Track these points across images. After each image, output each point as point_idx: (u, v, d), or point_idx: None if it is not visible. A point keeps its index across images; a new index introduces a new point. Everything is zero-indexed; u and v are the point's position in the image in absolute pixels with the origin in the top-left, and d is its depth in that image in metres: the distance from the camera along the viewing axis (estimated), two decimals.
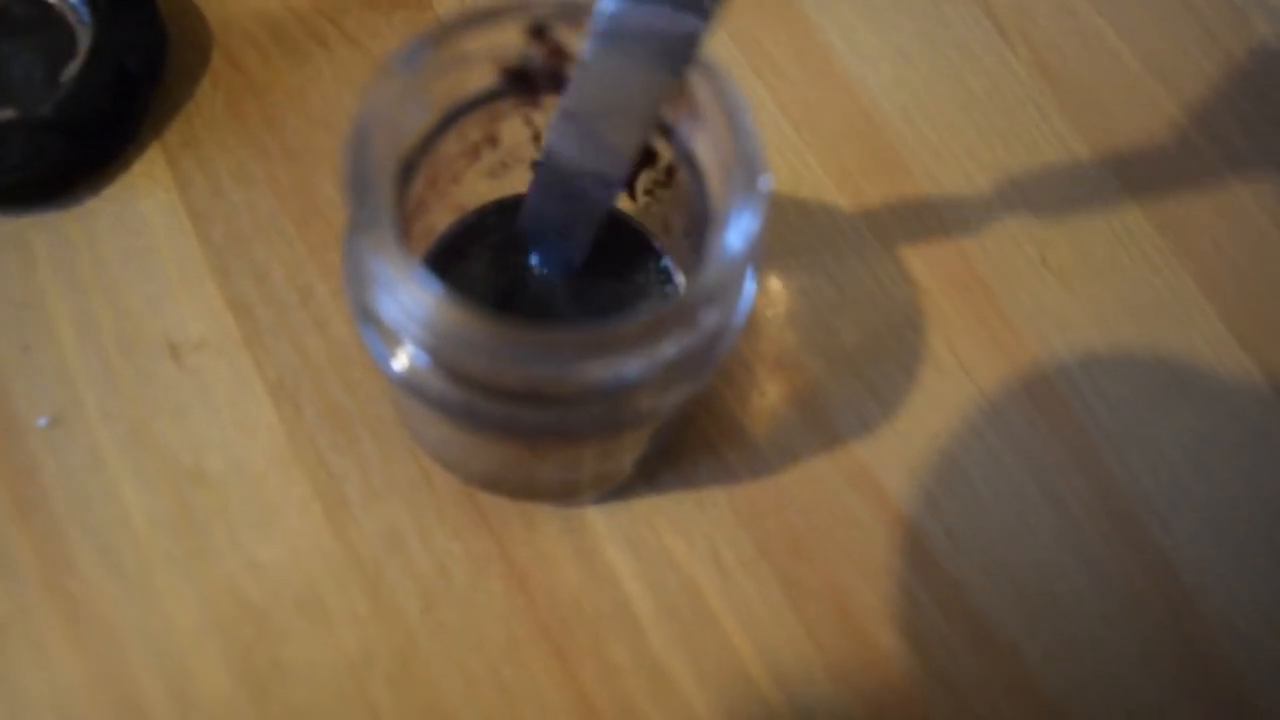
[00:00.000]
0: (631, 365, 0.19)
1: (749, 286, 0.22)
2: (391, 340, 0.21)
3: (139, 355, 0.27)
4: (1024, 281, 0.29)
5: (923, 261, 0.29)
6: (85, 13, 0.29)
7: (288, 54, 0.31)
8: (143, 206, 0.29)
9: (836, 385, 0.28)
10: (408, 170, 0.21)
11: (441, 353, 0.19)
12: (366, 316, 0.21)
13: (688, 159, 0.22)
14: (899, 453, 0.28)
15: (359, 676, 0.25)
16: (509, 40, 0.21)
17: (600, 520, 0.27)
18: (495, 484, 0.26)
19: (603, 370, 0.19)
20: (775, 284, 0.29)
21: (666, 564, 0.26)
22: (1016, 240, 0.30)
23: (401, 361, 0.21)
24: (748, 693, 0.25)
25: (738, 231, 0.19)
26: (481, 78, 0.22)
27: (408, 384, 0.21)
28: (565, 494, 0.26)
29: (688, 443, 0.27)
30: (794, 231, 0.30)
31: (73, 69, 0.29)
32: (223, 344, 0.28)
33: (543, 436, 0.21)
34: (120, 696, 0.25)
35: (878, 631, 0.26)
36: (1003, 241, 0.30)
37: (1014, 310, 0.29)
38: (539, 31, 0.21)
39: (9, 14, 0.29)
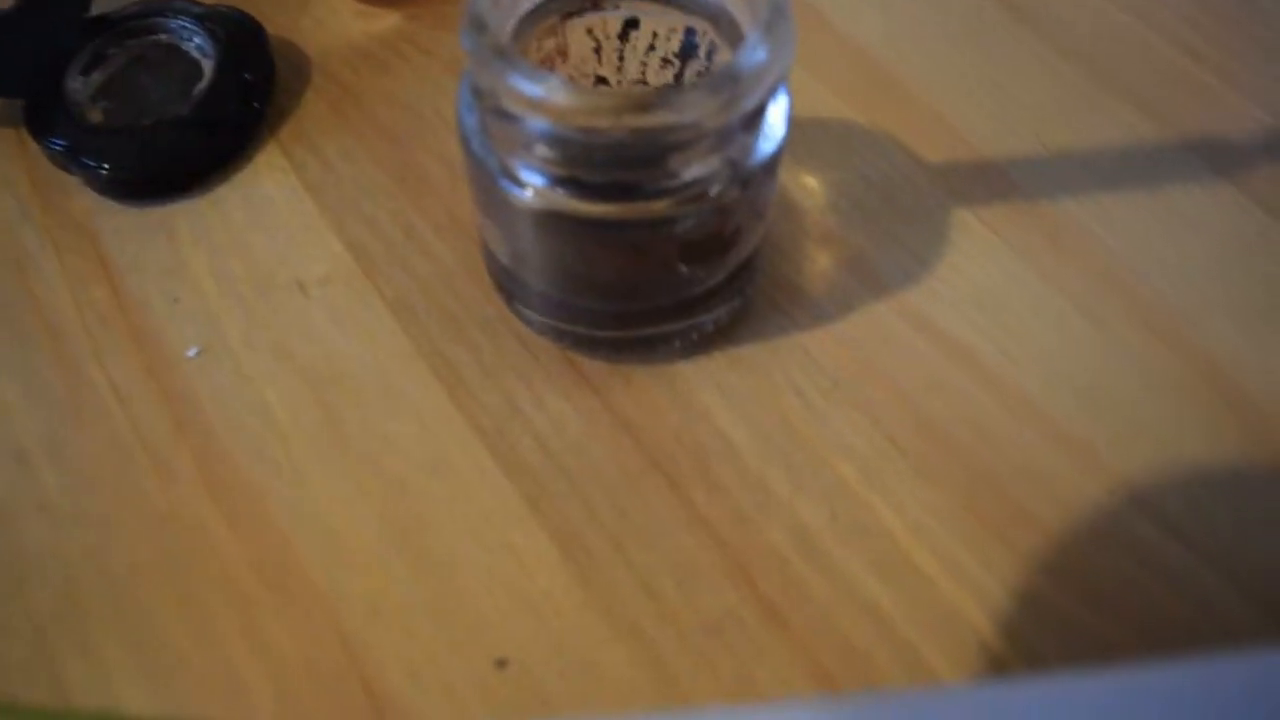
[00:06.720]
0: (703, 107, 0.23)
1: (784, 99, 0.27)
2: (514, 178, 0.25)
3: (272, 293, 0.32)
4: (1027, 157, 0.34)
5: (935, 154, 0.34)
6: (209, 48, 0.35)
7: (375, 68, 0.37)
8: (266, 187, 0.34)
9: (879, 251, 0.32)
10: None
11: (562, 135, 0.23)
12: (489, 160, 0.25)
13: None
14: (944, 295, 0.31)
15: (492, 521, 0.28)
16: None
17: (688, 370, 0.30)
18: (597, 340, 0.29)
19: (687, 112, 0.23)
20: (809, 180, 0.33)
21: (753, 399, 0.29)
22: (1014, 128, 0.35)
23: (527, 191, 0.25)
24: (846, 495, 0.28)
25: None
26: None
27: (535, 203, 0.25)
28: (657, 341, 0.29)
29: (755, 306, 0.31)
30: (817, 143, 0.34)
31: (202, 86, 0.34)
32: (344, 276, 0.32)
33: (640, 216, 0.25)
34: (278, 562, 0.27)
35: (954, 432, 0.29)
36: (1000, 130, 0.35)
37: (1023, 180, 0.33)
38: None
39: (145, 58, 0.36)
